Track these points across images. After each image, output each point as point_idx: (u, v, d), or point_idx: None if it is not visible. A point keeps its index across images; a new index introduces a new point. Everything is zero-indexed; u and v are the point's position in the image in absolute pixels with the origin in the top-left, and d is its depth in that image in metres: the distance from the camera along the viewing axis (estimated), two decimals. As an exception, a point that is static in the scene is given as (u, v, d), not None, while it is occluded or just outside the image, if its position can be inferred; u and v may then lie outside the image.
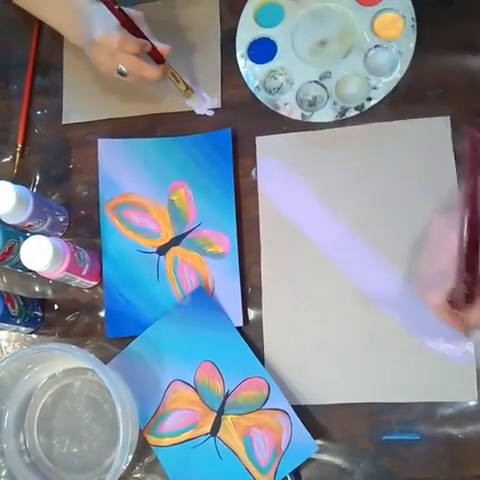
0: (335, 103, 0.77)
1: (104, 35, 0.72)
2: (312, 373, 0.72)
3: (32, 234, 0.75)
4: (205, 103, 0.82)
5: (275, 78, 0.81)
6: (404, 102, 0.76)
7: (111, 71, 0.76)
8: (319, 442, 0.70)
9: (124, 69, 0.75)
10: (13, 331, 0.79)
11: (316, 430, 0.70)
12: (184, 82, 0.81)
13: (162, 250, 0.79)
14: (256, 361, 0.72)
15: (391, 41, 0.77)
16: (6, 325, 0.74)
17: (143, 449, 0.73)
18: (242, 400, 0.71)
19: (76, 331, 0.79)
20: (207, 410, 0.72)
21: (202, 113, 0.82)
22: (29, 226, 0.76)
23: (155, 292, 0.77)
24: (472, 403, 0.68)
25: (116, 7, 0.71)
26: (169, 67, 0.78)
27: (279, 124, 0.79)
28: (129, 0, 0.86)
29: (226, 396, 0.72)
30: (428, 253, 0.64)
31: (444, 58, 0.76)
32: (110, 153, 0.82)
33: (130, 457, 0.69)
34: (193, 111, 0.82)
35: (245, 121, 0.80)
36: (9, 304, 0.73)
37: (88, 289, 0.80)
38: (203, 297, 0.75)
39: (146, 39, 0.74)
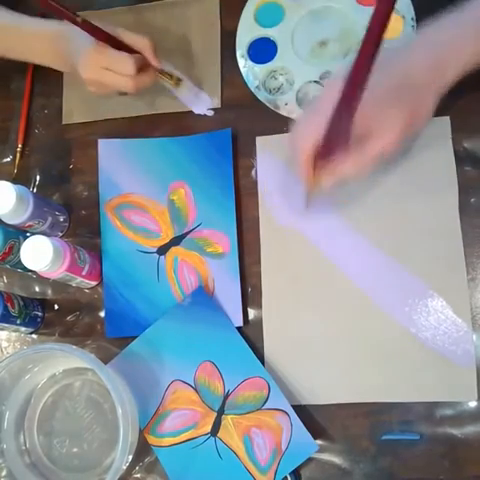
0: (335, 103, 0.77)
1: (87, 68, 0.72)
2: (312, 373, 0.72)
3: (32, 234, 0.75)
4: (195, 92, 0.81)
5: (275, 78, 0.81)
6: (404, 102, 0.76)
7: (110, 93, 0.76)
8: (319, 442, 0.70)
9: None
10: (13, 331, 0.79)
11: (316, 430, 0.70)
12: (169, 73, 0.79)
13: (162, 250, 0.79)
14: (256, 361, 0.72)
15: (391, 41, 0.77)
16: (6, 325, 0.74)
17: (143, 449, 0.73)
18: (242, 400, 0.71)
19: (76, 331, 0.79)
20: (207, 410, 0.72)
21: (201, 113, 0.82)
22: (29, 226, 0.76)
23: (155, 292, 0.77)
24: (472, 403, 0.68)
25: (79, 19, 0.68)
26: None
27: (279, 124, 0.79)
28: (128, 1, 0.87)
29: (226, 396, 0.72)
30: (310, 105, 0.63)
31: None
32: (110, 153, 0.82)
33: (130, 457, 0.68)
34: (193, 111, 0.82)
35: (245, 121, 0.80)
36: (9, 304, 0.73)
37: (88, 289, 0.80)
38: (203, 297, 0.75)
39: (126, 47, 0.72)
